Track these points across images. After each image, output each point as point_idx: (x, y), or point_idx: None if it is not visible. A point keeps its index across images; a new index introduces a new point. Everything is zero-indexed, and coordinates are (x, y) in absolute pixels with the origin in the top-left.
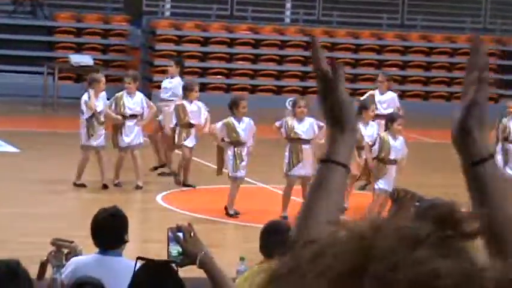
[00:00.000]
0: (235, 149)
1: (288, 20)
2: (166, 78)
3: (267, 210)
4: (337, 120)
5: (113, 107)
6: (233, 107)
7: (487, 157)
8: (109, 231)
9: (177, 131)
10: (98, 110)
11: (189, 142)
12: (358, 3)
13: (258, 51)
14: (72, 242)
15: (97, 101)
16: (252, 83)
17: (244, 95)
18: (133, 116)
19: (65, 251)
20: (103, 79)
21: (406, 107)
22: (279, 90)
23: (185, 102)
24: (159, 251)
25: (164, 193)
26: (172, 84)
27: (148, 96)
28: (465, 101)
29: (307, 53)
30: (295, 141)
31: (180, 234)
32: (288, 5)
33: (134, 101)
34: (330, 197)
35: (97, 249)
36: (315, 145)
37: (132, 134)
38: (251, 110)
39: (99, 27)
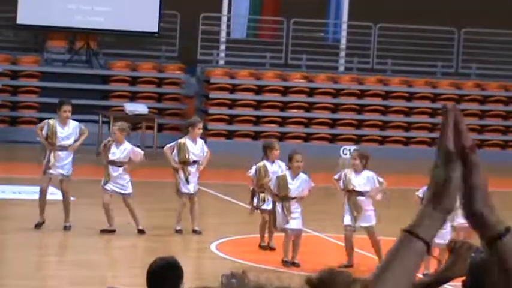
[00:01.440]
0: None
1: (342, 68)
2: None
3: (323, 259)
4: (438, 198)
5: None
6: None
7: (504, 232)
8: (165, 281)
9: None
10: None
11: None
12: (412, 52)
13: (312, 100)
14: None
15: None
16: (306, 131)
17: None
18: (195, 162)
19: None
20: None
21: None
22: (332, 138)
23: (266, 163)
24: None
25: (219, 241)
26: None
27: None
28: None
29: (361, 101)
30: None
31: (234, 281)
32: (342, 53)
33: (197, 147)
34: (403, 267)
35: None
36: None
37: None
38: (305, 158)
39: (153, 76)
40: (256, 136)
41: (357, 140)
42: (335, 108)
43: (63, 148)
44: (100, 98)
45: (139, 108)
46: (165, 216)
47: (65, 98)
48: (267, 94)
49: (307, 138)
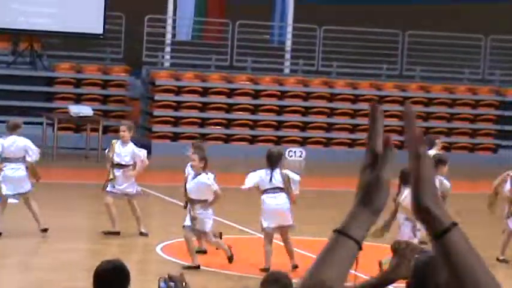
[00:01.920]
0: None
1: (287, 71)
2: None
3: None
4: (368, 197)
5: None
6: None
7: (450, 226)
8: (111, 284)
9: None
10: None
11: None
12: (357, 54)
13: (257, 102)
14: None
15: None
16: (252, 133)
17: None
18: (120, 166)
19: None
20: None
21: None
22: (278, 140)
23: None
24: None
25: (165, 243)
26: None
27: (149, 146)
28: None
29: (306, 104)
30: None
31: (172, 284)
32: (288, 56)
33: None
34: (336, 265)
35: None
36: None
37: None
38: (250, 159)
39: (98, 78)
40: (201, 138)
41: (302, 142)
42: (280, 111)
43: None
44: (44, 100)
45: (84, 110)
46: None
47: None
48: (212, 96)
49: (253, 140)
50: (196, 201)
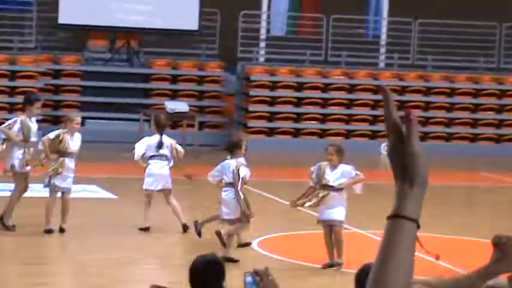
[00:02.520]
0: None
1: (382, 65)
2: None
3: (364, 256)
4: (408, 174)
5: None
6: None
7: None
8: (207, 278)
9: None
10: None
11: None
12: (453, 47)
13: (352, 96)
14: None
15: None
16: (346, 128)
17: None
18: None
19: None
20: (77, 119)
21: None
22: (373, 135)
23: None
24: None
25: (262, 238)
26: None
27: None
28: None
29: (402, 98)
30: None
31: (258, 279)
32: (382, 50)
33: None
34: (402, 253)
35: None
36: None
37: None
38: (347, 154)
39: (194, 74)
40: (296, 133)
41: None
42: (375, 105)
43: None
44: (141, 96)
45: (180, 106)
46: (206, 213)
47: (38, 94)
48: (307, 91)
49: (348, 135)
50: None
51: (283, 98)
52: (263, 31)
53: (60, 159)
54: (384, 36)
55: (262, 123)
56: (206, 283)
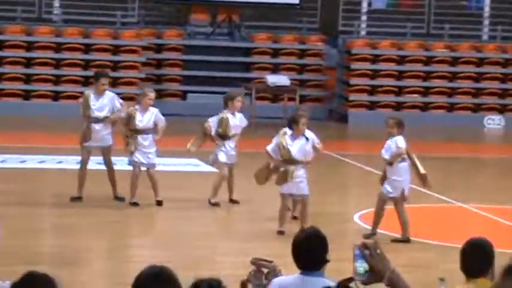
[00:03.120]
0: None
1: (485, 37)
2: None
3: (466, 230)
4: None
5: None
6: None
7: None
8: (309, 252)
9: None
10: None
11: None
12: None
13: (455, 69)
14: (271, 261)
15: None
16: (449, 101)
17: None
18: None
19: (265, 270)
20: (150, 94)
21: None
22: (476, 108)
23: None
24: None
25: (363, 212)
26: None
27: (345, 115)
28: None
29: (505, 70)
30: None
31: (367, 252)
32: (486, 22)
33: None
34: None
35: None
36: None
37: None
38: (447, 127)
39: (295, 48)
40: (398, 107)
41: (501, 109)
42: (478, 78)
43: (98, 120)
44: (242, 70)
45: (281, 79)
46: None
47: (103, 71)
48: (408, 64)
49: (451, 108)
50: None
51: (385, 71)
52: (364, 4)
53: (134, 136)
54: (487, 8)
55: (363, 97)
56: (309, 257)
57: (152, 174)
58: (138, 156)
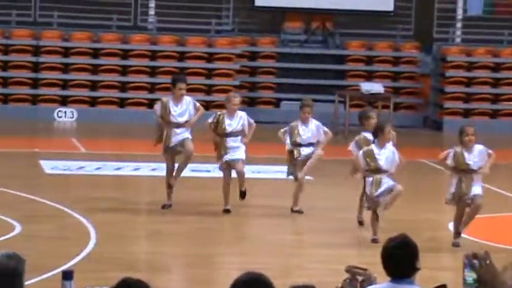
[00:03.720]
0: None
1: None
2: None
3: None
4: None
5: None
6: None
7: None
8: (399, 260)
9: None
10: None
11: None
12: None
13: None
14: (366, 269)
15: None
16: None
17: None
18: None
19: (360, 278)
20: (235, 100)
21: None
22: None
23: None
24: (452, 278)
25: None
26: None
27: (440, 123)
28: None
29: None
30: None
31: (476, 262)
32: None
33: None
34: None
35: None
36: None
37: None
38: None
39: (389, 55)
40: (494, 114)
41: None
42: None
43: (179, 125)
44: (336, 77)
45: (375, 87)
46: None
47: (180, 76)
48: (504, 71)
49: None
50: None
51: (480, 78)
52: (459, 11)
53: (223, 140)
54: None
55: (458, 104)
56: (399, 264)
57: (240, 168)
58: (228, 156)
